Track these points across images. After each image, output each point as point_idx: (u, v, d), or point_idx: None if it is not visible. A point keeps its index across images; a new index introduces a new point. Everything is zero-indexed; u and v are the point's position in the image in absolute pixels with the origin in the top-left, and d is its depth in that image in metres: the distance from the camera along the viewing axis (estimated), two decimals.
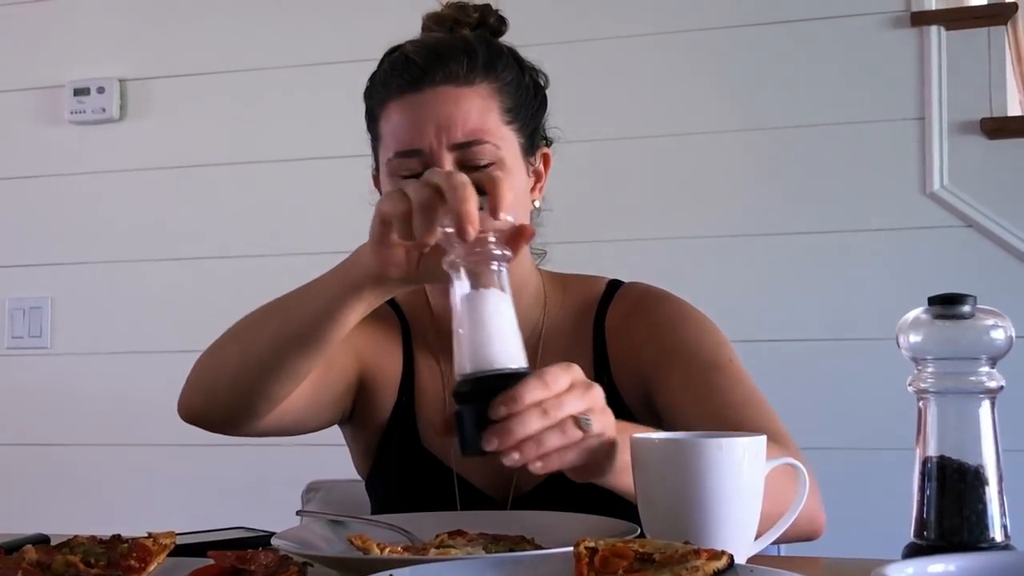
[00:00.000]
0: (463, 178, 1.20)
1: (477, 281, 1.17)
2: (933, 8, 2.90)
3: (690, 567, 1.01)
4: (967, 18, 2.91)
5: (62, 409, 3.49)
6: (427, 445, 1.67)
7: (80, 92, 3.53)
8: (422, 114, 1.53)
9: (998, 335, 0.94)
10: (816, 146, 2.95)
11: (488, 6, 1.67)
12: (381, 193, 1.60)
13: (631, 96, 3.09)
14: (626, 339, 1.64)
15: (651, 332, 1.63)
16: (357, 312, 1.37)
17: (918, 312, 0.97)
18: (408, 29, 1.64)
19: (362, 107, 1.66)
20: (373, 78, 1.62)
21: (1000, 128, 2.83)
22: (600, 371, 1.63)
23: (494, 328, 1.15)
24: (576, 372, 1.17)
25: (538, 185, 1.65)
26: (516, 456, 1.09)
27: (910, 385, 0.97)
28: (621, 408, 1.55)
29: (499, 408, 1.07)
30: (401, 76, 1.56)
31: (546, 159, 1.67)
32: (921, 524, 0.95)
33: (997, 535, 0.94)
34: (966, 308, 0.95)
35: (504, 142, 1.55)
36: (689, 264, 2.94)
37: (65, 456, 3.14)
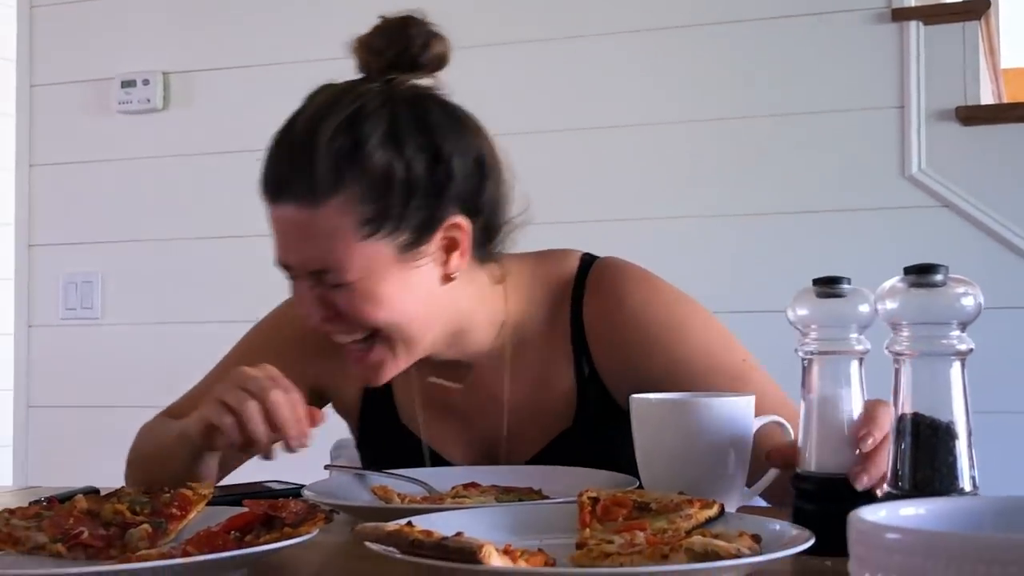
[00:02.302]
0: (276, 397, 1.26)
1: None
2: (912, 5, 2.89)
3: (684, 515, 1.01)
4: (944, 14, 2.90)
5: (110, 375, 3.51)
6: (408, 424, 1.60)
7: (127, 84, 3.54)
8: (281, 232, 1.41)
9: (968, 302, 0.94)
10: (803, 132, 2.94)
11: (408, 21, 1.43)
12: None
13: (622, 87, 3.09)
14: (609, 330, 1.50)
15: (648, 335, 1.47)
16: (213, 460, 1.41)
17: (894, 281, 0.96)
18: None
19: None
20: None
21: (974, 116, 2.82)
22: (579, 359, 1.51)
23: None
24: None
25: (455, 256, 1.42)
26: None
27: (887, 348, 0.97)
28: (607, 397, 1.50)
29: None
30: (265, 181, 1.41)
31: (459, 228, 1.41)
32: (896, 475, 0.95)
33: (966, 485, 0.94)
34: (939, 277, 0.95)
35: (364, 258, 1.36)
36: (676, 242, 2.94)
37: (112, 417, 3.14)
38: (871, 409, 1.06)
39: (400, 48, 1.42)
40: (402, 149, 1.36)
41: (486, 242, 1.49)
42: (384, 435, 1.63)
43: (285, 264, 1.42)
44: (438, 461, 1.57)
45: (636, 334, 1.48)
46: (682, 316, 1.51)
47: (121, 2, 3.58)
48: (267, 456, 1.31)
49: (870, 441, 1.03)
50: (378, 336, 1.41)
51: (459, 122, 1.45)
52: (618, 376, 1.50)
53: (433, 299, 1.43)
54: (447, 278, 1.43)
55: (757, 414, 1.22)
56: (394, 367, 1.44)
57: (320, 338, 1.49)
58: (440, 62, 1.45)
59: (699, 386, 1.38)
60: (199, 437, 1.33)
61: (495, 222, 1.49)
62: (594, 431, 1.50)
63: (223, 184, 3.43)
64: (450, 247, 1.42)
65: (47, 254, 3.64)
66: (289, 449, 1.29)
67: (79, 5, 3.61)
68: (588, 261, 1.56)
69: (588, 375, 1.51)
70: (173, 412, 1.66)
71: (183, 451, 1.38)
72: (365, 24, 1.46)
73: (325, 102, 1.40)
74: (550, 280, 1.55)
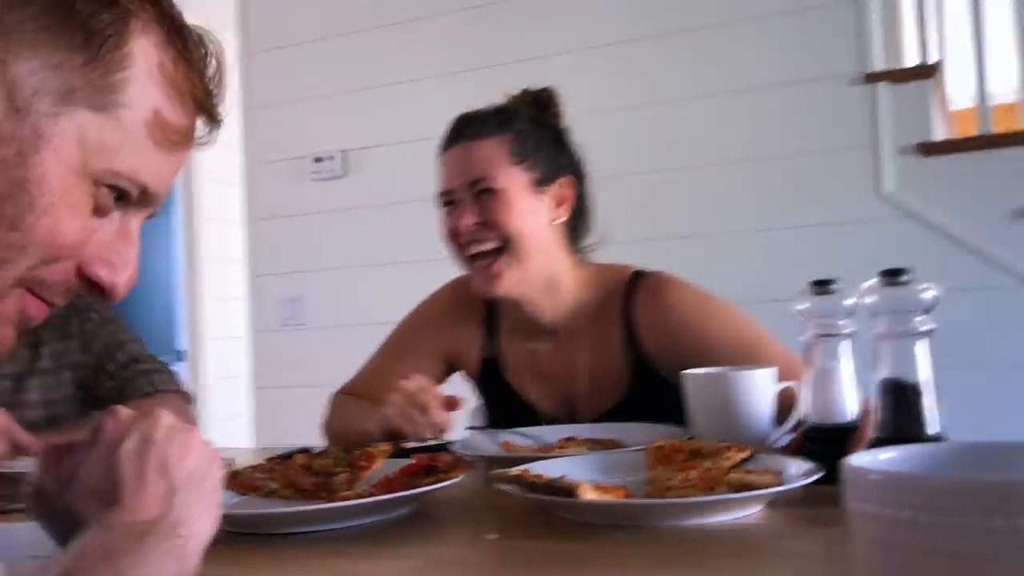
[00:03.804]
0: (434, 406, 1.28)
1: None
2: (880, 70, 2.84)
3: (724, 457, 1.00)
4: (904, 76, 2.83)
5: (313, 364, 3.58)
6: (515, 387, 1.57)
7: (317, 160, 3.61)
8: (449, 163, 1.48)
9: (928, 295, 0.92)
10: (803, 168, 2.90)
11: (542, 91, 1.56)
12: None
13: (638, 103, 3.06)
14: (656, 324, 1.45)
15: (685, 325, 1.43)
16: None
17: (872, 281, 0.95)
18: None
19: None
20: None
21: (931, 150, 2.76)
22: (630, 346, 1.47)
23: None
24: None
25: (563, 207, 1.49)
26: None
27: (870, 331, 0.95)
28: (655, 378, 1.45)
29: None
30: (444, 140, 1.50)
31: (570, 185, 1.49)
32: (880, 425, 0.94)
33: (933, 431, 0.92)
34: (904, 277, 0.93)
35: (507, 177, 1.43)
36: (709, 252, 2.92)
37: (316, 394, 3.21)
38: (863, 420, 1.01)
39: (533, 98, 1.56)
40: (538, 127, 1.49)
41: (574, 236, 1.53)
42: (496, 393, 1.59)
43: (449, 190, 1.47)
44: (533, 414, 1.54)
45: (673, 324, 1.44)
46: (707, 306, 1.46)
47: (312, 104, 3.65)
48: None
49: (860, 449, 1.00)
50: (504, 249, 1.44)
51: (569, 134, 1.57)
52: (660, 354, 1.45)
53: (542, 232, 1.46)
54: (553, 222, 1.48)
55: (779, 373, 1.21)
56: (508, 280, 1.45)
57: (456, 318, 1.59)
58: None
59: (722, 358, 1.35)
60: (381, 434, 1.33)
61: (582, 221, 1.53)
62: (645, 401, 1.46)
63: (386, 227, 3.49)
64: (560, 201, 1.49)
65: (268, 281, 3.73)
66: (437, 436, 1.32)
67: (283, 108, 3.70)
68: (638, 272, 1.53)
69: (638, 359, 1.47)
70: (351, 387, 1.68)
71: (367, 441, 1.37)
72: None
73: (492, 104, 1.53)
74: (610, 279, 1.53)
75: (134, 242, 0.68)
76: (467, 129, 1.47)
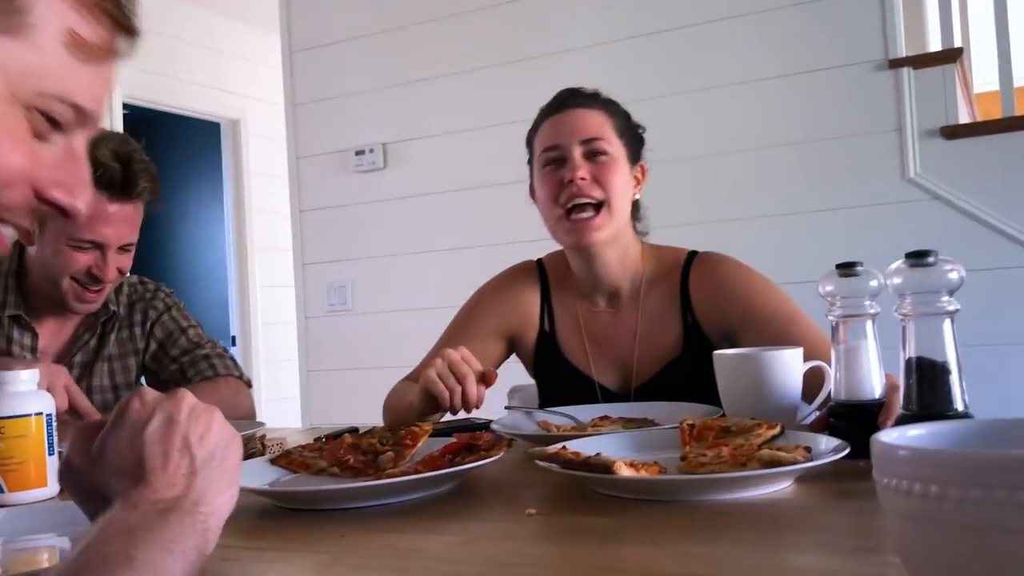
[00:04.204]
0: (469, 375, 1.30)
1: None
2: (904, 55, 2.78)
3: (755, 434, 1.00)
4: (929, 60, 2.78)
5: (359, 348, 3.61)
6: (568, 357, 1.62)
7: (359, 153, 3.62)
8: (561, 123, 1.55)
9: (953, 275, 0.91)
10: (831, 153, 2.85)
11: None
12: (535, 200, 1.61)
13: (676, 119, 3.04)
14: (708, 293, 1.55)
15: (732, 296, 1.52)
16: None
17: (899, 263, 0.94)
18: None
19: None
20: (534, 122, 1.63)
21: (955, 133, 2.70)
22: (685, 312, 1.56)
23: None
24: None
25: (638, 187, 1.60)
26: None
27: (895, 311, 0.94)
28: (705, 340, 1.53)
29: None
30: (551, 106, 1.58)
31: (643, 170, 1.61)
32: (907, 401, 0.93)
33: (959, 407, 0.91)
34: (931, 259, 0.92)
35: (614, 146, 1.54)
36: (747, 235, 2.89)
37: (361, 376, 3.24)
38: (890, 396, 1.02)
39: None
40: (628, 116, 1.61)
41: (636, 216, 1.63)
42: (551, 367, 1.64)
43: (559, 145, 1.54)
44: (587, 382, 1.60)
45: (723, 293, 1.53)
46: (753, 281, 1.55)
47: (353, 100, 3.66)
48: (455, 412, 1.35)
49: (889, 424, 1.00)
50: (602, 207, 1.52)
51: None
52: (710, 321, 1.54)
53: (628, 202, 1.57)
54: (633, 196, 1.59)
55: (804, 346, 1.22)
56: (604, 234, 1.53)
57: (515, 295, 1.66)
58: None
59: (764, 327, 1.45)
60: (420, 403, 1.36)
61: (641, 206, 1.64)
62: (695, 359, 1.51)
63: (426, 216, 3.50)
64: (637, 181, 1.60)
65: (315, 269, 3.75)
66: (469, 409, 1.33)
67: (324, 102, 3.72)
68: (695, 252, 1.63)
69: (691, 323, 1.56)
70: (414, 374, 1.69)
71: (412, 414, 1.41)
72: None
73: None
74: (671, 256, 1.63)
75: (83, 161, 0.68)
76: (579, 97, 1.57)
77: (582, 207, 1.51)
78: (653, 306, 1.59)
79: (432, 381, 1.31)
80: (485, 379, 1.32)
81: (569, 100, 1.57)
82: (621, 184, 1.53)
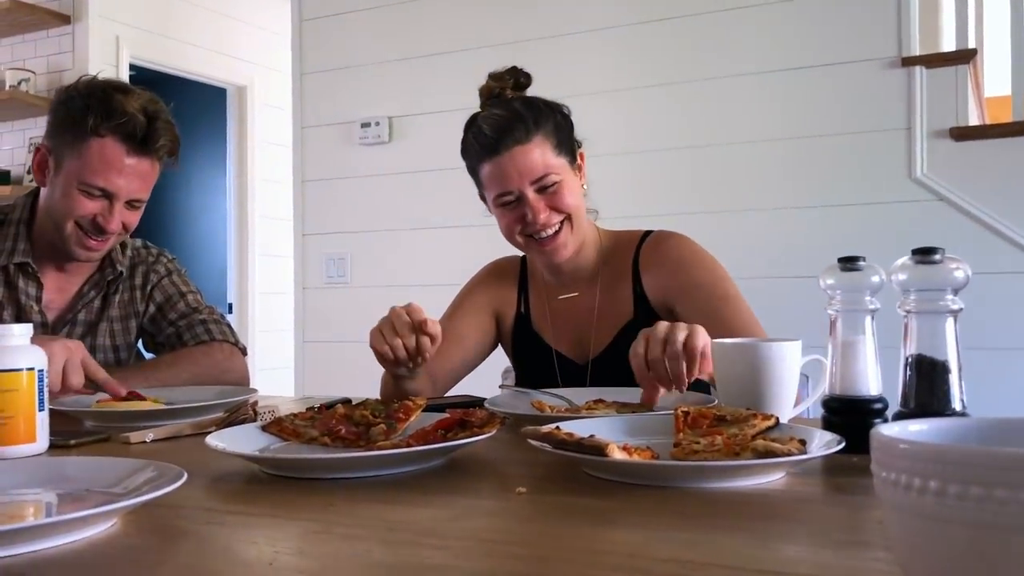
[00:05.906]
0: (402, 325, 1.36)
1: None
2: (917, 54, 2.76)
3: (750, 425, 0.99)
4: (941, 60, 2.76)
5: (355, 320, 3.59)
6: (539, 334, 1.73)
7: (364, 125, 3.61)
8: (506, 168, 1.55)
9: (959, 274, 0.90)
10: (839, 149, 2.84)
11: (515, 68, 1.64)
12: (492, 212, 1.65)
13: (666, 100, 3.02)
14: (654, 265, 1.64)
15: (674, 268, 1.62)
16: (406, 384, 1.48)
17: (904, 259, 0.93)
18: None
19: None
20: (464, 145, 1.64)
21: (964, 134, 2.69)
22: (635, 283, 1.65)
23: None
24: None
25: (582, 176, 1.64)
26: None
27: (899, 307, 0.93)
28: (649, 306, 1.63)
29: None
30: (484, 147, 1.57)
31: (582, 157, 1.65)
32: (905, 398, 0.92)
33: (957, 407, 0.90)
34: (937, 256, 0.91)
35: (560, 167, 1.57)
36: (747, 227, 2.88)
37: (356, 349, 3.24)
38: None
39: (512, 78, 1.64)
40: (552, 112, 1.60)
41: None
42: (525, 343, 1.75)
43: (510, 191, 1.56)
44: (551, 353, 1.71)
45: (667, 264, 1.63)
46: (696, 257, 1.64)
47: (360, 71, 3.65)
48: (404, 367, 1.41)
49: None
50: (565, 223, 1.59)
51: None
52: (654, 291, 1.63)
53: (583, 201, 1.63)
54: (582, 187, 1.64)
55: (731, 325, 1.34)
56: (571, 247, 1.62)
57: (500, 281, 1.78)
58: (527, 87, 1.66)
59: (699, 301, 1.55)
60: (379, 361, 1.43)
61: (585, 193, 1.68)
62: (643, 323, 1.51)
63: (428, 192, 3.48)
64: (581, 170, 1.64)
65: (314, 240, 3.74)
66: (415, 363, 1.39)
67: (332, 73, 3.70)
68: (650, 231, 1.71)
69: (639, 293, 1.65)
70: None
71: (387, 382, 1.53)
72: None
73: (506, 103, 1.61)
74: (627, 236, 1.72)
75: None
76: (513, 133, 1.55)
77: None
78: (608, 281, 1.68)
79: (372, 339, 1.38)
80: (424, 328, 1.36)
81: (503, 139, 1.55)
82: (576, 195, 1.60)
